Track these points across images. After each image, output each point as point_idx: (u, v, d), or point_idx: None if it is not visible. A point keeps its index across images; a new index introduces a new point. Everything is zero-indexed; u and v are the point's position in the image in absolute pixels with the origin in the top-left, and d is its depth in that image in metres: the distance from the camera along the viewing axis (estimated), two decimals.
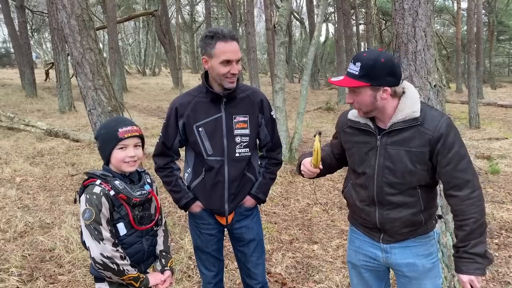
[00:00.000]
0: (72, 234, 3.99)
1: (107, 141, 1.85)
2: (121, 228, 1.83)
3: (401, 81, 1.73)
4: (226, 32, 2.03)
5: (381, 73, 1.65)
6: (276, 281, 3.37)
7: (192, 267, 3.50)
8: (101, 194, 1.77)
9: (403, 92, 1.75)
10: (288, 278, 3.44)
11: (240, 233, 2.35)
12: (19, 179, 6.01)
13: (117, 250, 1.78)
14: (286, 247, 4.01)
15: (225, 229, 2.39)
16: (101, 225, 1.75)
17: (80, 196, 1.82)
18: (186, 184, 2.30)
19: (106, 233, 1.75)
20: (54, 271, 3.43)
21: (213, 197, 2.24)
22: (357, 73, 1.67)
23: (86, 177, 1.87)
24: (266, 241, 3.91)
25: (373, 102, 1.70)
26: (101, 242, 1.73)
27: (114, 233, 1.81)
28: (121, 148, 1.85)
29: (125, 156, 1.85)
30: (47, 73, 21.29)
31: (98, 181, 1.80)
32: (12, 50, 24.25)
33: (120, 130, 1.84)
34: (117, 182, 1.82)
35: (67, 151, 7.74)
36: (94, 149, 7.62)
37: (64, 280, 3.31)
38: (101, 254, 1.73)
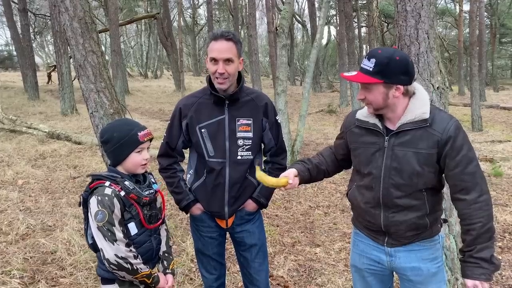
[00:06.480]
0: (74, 237, 3.98)
1: (126, 144, 1.85)
2: (132, 228, 1.86)
3: (413, 80, 1.71)
4: (220, 31, 2.07)
5: (395, 71, 1.64)
6: (278, 284, 3.36)
7: (194, 270, 3.49)
8: (113, 195, 1.78)
9: (413, 93, 1.74)
10: (290, 281, 3.43)
11: (241, 237, 2.33)
12: (21, 182, 6.01)
13: (130, 250, 1.80)
14: (288, 250, 4.00)
15: (227, 232, 2.38)
16: (114, 226, 1.77)
17: (85, 199, 1.82)
18: (188, 186, 2.30)
19: (119, 234, 1.77)
20: (56, 274, 3.42)
21: (213, 199, 2.23)
22: (371, 69, 1.66)
23: (91, 180, 1.86)
24: (268, 244, 3.89)
25: (384, 100, 1.69)
26: (114, 243, 1.75)
27: (126, 233, 1.83)
28: (139, 151, 1.87)
29: (142, 159, 1.89)
30: (49, 76, 21.36)
31: (107, 183, 1.81)
32: (14, 52, 24.34)
33: (139, 133, 1.87)
34: (127, 183, 1.84)
35: (69, 154, 7.75)
36: (96, 152, 7.62)
37: (66, 282, 3.30)
38: (116, 255, 1.75)
